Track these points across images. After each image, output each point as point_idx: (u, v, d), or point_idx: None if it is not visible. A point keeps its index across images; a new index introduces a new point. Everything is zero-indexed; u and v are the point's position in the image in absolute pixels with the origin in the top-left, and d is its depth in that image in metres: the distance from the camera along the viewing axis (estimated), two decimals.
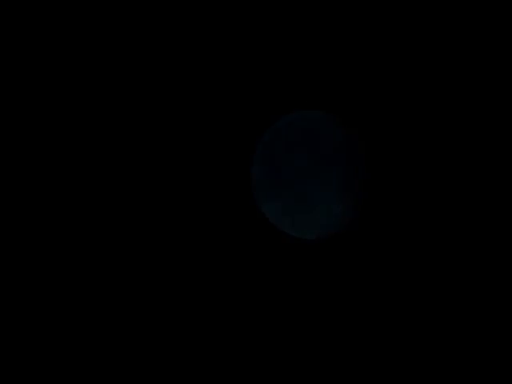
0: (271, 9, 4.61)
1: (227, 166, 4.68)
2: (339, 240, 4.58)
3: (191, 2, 4.69)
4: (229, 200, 4.62)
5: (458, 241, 4.45)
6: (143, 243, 4.56)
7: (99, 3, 4.65)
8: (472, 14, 4.53)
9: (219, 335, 4.50)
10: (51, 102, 4.66)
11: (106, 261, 4.55)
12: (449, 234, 4.46)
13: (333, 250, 4.58)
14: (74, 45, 4.68)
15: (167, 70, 4.69)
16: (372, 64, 4.58)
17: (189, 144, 4.70)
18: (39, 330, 4.47)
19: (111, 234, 4.57)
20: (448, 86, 4.55)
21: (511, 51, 4.51)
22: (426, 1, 4.55)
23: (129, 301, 4.51)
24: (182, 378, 4.46)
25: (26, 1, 4.64)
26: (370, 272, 4.50)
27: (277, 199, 4.60)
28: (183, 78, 4.72)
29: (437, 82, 4.56)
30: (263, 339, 4.50)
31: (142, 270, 4.57)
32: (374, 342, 4.45)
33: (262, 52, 4.65)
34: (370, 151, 4.51)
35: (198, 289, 4.55)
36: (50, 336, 4.47)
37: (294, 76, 4.64)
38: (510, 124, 4.50)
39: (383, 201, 4.51)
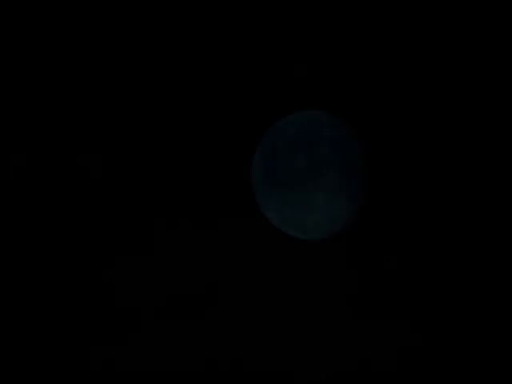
0: (272, 9, 4.61)
1: (227, 166, 4.69)
2: (339, 240, 4.58)
3: (192, 2, 4.69)
4: (229, 200, 4.62)
5: (458, 240, 4.45)
6: (144, 243, 4.57)
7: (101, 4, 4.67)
8: (471, 15, 4.53)
9: (219, 335, 4.50)
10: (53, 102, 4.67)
11: (106, 260, 4.55)
12: (448, 233, 4.46)
13: (333, 249, 4.57)
14: (75, 44, 4.69)
15: (168, 70, 4.69)
16: (372, 64, 4.58)
17: (189, 144, 4.70)
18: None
19: (110, 234, 4.57)
20: (447, 87, 4.55)
21: (510, 52, 4.51)
22: (426, 2, 4.55)
23: (130, 299, 4.51)
24: (180, 378, 4.46)
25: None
26: (370, 271, 4.50)
27: (277, 199, 4.60)
28: (184, 79, 4.72)
29: (436, 82, 4.56)
30: (264, 339, 4.49)
31: (143, 271, 4.57)
32: (374, 341, 4.44)
33: (263, 52, 4.65)
34: (370, 151, 4.51)
35: (199, 290, 4.55)
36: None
37: (294, 76, 4.64)
38: (509, 125, 4.50)
39: (383, 201, 4.51)
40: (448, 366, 4.41)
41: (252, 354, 4.46)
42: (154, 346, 4.48)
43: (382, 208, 4.51)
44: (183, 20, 4.68)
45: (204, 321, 4.50)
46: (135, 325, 4.50)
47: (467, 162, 4.49)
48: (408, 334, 4.44)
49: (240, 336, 4.49)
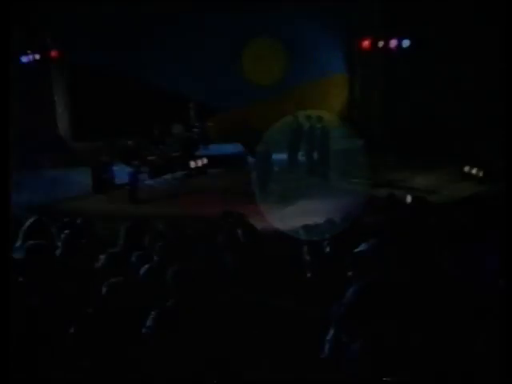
0: (271, 9, 4.67)
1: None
2: (339, 239, 4.57)
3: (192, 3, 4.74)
4: (229, 200, 4.63)
5: (458, 239, 4.45)
6: (143, 238, 4.54)
7: None
8: (470, 16, 4.59)
9: (217, 335, 4.45)
10: None
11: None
12: (448, 232, 4.46)
13: (333, 249, 4.56)
14: None
15: (168, 69, 4.73)
16: (371, 64, 4.62)
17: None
18: None
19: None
20: (447, 87, 4.60)
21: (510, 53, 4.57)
22: (426, 3, 4.61)
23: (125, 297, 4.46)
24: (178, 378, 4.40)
25: None
26: (371, 270, 4.48)
27: (277, 199, 4.62)
28: (184, 79, 4.75)
29: (435, 82, 4.60)
30: (263, 339, 4.45)
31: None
32: (376, 341, 4.41)
33: (262, 52, 4.70)
34: (371, 151, 4.54)
35: (198, 289, 4.52)
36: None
37: (294, 75, 4.68)
38: (509, 124, 4.54)
39: (383, 199, 4.53)
40: (446, 366, 4.37)
41: (251, 351, 4.41)
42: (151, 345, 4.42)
43: (384, 207, 4.52)
44: (182, 19, 4.72)
45: (202, 320, 4.46)
46: (134, 326, 4.45)
47: (466, 160, 4.51)
48: (408, 334, 4.41)
49: (239, 336, 4.45)
